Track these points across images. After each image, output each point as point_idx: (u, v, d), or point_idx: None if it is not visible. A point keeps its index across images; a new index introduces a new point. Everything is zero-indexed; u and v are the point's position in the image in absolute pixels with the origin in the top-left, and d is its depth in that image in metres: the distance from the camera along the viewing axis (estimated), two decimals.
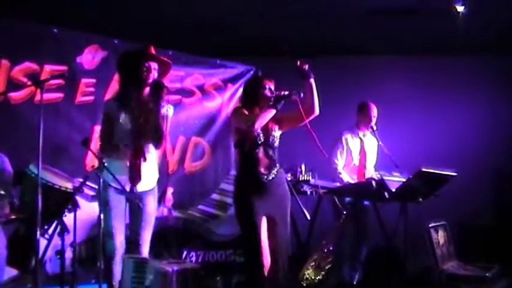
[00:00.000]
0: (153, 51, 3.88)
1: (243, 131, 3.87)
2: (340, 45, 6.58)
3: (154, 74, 3.84)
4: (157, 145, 3.88)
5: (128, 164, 3.79)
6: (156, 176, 4.02)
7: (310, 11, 5.62)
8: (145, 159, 3.82)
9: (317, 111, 3.91)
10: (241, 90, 6.04)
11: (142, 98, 3.81)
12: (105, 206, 3.73)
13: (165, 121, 3.84)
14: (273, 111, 3.84)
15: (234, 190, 3.99)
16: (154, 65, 3.84)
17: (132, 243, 3.90)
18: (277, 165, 3.94)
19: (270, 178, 3.87)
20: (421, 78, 6.81)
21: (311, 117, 3.92)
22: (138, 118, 3.77)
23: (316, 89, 3.88)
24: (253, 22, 5.88)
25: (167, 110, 3.87)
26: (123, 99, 3.81)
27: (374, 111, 5.40)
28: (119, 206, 3.81)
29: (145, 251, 3.91)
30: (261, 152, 3.89)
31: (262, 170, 3.86)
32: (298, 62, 3.85)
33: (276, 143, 3.97)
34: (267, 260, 3.79)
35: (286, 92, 3.86)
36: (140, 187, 3.86)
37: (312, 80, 3.87)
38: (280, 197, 3.93)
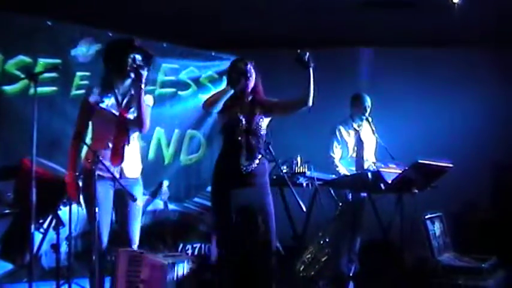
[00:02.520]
0: (137, 43, 3.88)
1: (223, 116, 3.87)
2: (336, 37, 6.57)
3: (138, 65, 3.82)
4: (140, 129, 3.86)
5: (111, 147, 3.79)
6: (140, 166, 4.00)
7: (306, 3, 5.60)
8: (128, 142, 3.84)
9: (310, 102, 3.81)
10: None
11: (126, 85, 3.86)
12: (89, 198, 3.67)
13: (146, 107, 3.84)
14: (227, 91, 3.79)
15: (211, 180, 3.95)
16: (138, 57, 3.82)
17: (121, 237, 3.86)
18: (259, 155, 3.87)
19: (249, 170, 3.83)
20: (417, 69, 6.81)
21: (303, 108, 3.86)
22: (121, 103, 3.83)
23: (315, 80, 3.82)
24: (247, 14, 5.87)
25: (147, 99, 3.90)
26: (106, 86, 3.84)
27: (368, 101, 5.40)
28: (106, 199, 3.77)
29: (135, 244, 3.88)
30: (243, 140, 3.83)
31: (242, 160, 3.82)
32: (298, 51, 3.75)
33: (262, 132, 3.91)
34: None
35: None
36: (128, 172, 3.85)
37: (311, 70, 3.77)
38: (257, 188, 3.87)
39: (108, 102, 3.81)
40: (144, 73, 3.76)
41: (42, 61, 4.86)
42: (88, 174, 3.67)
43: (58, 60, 4.93)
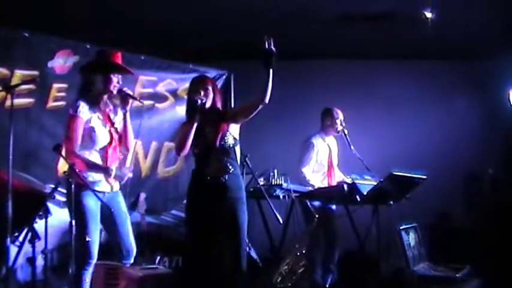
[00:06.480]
0: (119, 60, 3.94)
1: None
2: (311, 50, 6.64)
3: (119, 81, 3.91)
4: (127, 149, 3.99)
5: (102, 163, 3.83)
6: None
7: (283, 16, 5.66)
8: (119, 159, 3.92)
9: (266, 100, 3.70)
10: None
11: (107, 103, 3.91)
12: (80, 211, 3.69)
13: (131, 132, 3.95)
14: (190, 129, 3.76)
15: (186, 193, 3.97)
16: (118, 76, 3.91)
17: (116, 246, 3.89)
18: (231, 168, 3.85)
19: (220, 182, 3.81)
20: (392, 82, 6.89)
21: (260, 106, 3.74)
22: (105, 122, 3.86)
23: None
24: (225, 27, 5.91)
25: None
26: (92, 103, 3.85)
27: (339, 115, 5.46)
28: (95, 209, 3.78)
29: (133, 249, 3.93)
30: (212, 156, 3.82)
31: (211, 174, 3.80)
32: (269, 42, 3.59)
33: (230, 144, 3.85)
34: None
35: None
36: (115, 186, 3.92)
37: (271, 70, 3.64)
38: (230, 202, 3.83)
39: (93, 115, 3.82)
40: (130, 101, 3.86)
41: (19, 73, 4.81)
42: (78, 187, 3.68)
43: (35, 72, 4.90)
